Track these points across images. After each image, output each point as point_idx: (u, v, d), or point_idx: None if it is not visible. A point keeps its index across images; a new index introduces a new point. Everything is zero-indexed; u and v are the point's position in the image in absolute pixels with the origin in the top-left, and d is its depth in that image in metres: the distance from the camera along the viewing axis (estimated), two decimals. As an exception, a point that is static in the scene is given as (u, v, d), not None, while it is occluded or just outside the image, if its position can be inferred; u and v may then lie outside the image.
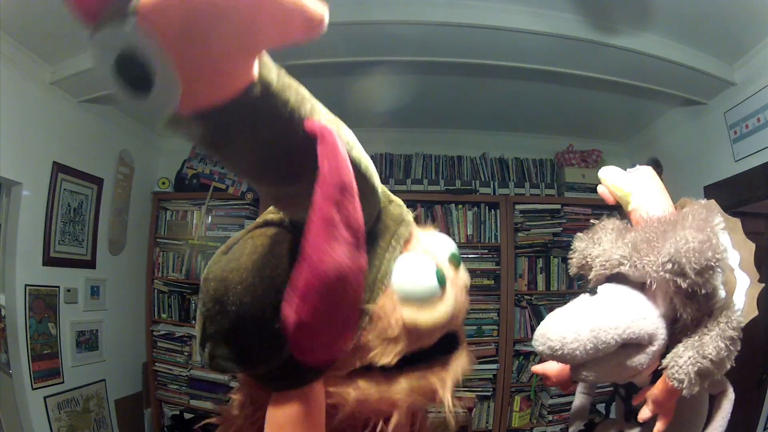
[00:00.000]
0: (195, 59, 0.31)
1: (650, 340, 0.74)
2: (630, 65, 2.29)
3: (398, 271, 0.54)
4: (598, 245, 0.85)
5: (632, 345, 0.74)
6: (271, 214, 0.57)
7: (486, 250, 3.08)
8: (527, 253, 3.11)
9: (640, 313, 0.75)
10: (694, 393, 0.72)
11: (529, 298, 3.10)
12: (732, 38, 2.14)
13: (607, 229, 0.88)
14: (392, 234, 0.57)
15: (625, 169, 0.91)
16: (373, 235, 0.55)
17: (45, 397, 2.36)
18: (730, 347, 0.72)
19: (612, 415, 1.08)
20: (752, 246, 0.87)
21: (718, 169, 2.46)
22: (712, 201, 0.81)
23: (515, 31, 2.08)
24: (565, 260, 3.11)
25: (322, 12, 0.34)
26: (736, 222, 0.87)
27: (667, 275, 0.69)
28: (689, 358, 0.71)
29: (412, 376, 0.55)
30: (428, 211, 3.11)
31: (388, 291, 0.53)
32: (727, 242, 0.77)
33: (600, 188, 0.93)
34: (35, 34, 2.16)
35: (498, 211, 3.10)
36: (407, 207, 0.65)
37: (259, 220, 0.57)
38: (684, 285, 0.69)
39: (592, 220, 0.95)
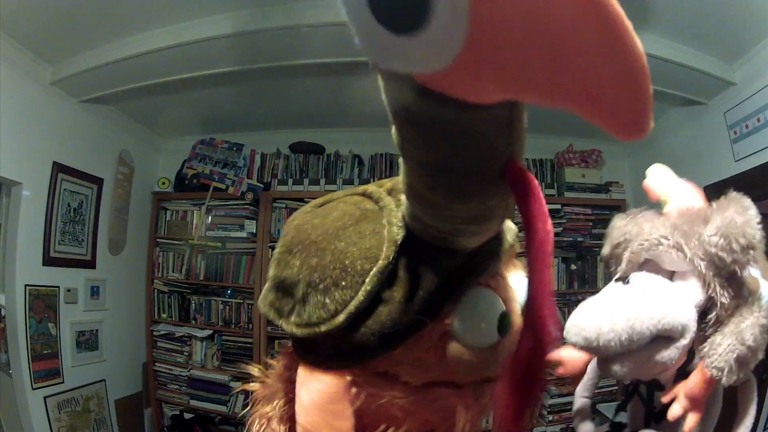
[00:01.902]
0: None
1: (682, 332, 0.73)
2: (630, 65, 2.29)
3: (468, 307, 0.49)
4: (637, 226, 0.84)
5: (663, 338, 0.73)
6: (375, 186, 0.53)
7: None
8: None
9: (674, 302, 0.73)
10: (731, 382, 0.72)
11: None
12: (732, 38, 2.14)
13: (647, 215, 0.87)
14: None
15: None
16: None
17: (45, 397, 2.36)
18: (765, 335, 0.73)
19: (617, 417, 1.07)
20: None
21: (718, 169, 2.46)
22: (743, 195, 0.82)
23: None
24: (565, 260, 3.13)
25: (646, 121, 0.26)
26: None
27: (713, 249, 0.71)
28: (728, 345, 0.71)
29: (439, 393, 0.52)
30: (428, 211, 3.10)
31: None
32: None
33: (646, 181, 0.94)
34: (35, 34, 2.16)
35: (498, 211, 3.10)
36: None
37: (361, 188, 0.54)
38: (729, 260, 0.70)
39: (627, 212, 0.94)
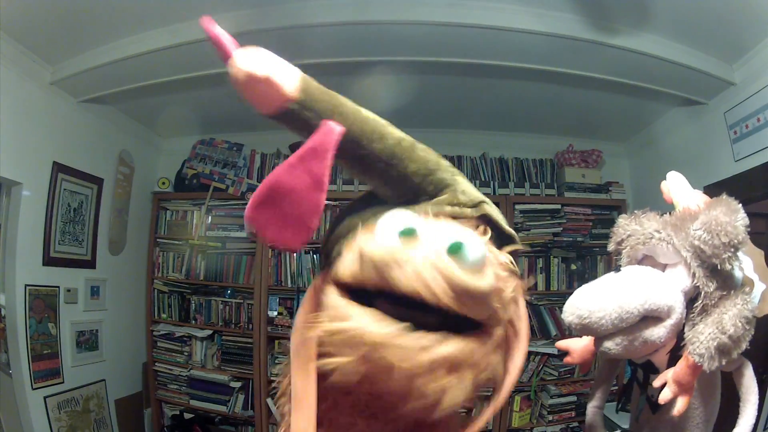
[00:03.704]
0: None
1: (668, 312, 0.80)
2: (630, 65, 2.29)
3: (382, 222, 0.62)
4: (639, 224, 0.95)
5: (652, 318, 0.80)
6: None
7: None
8: (527, 253, 3.11)
9: (660, 286, 0.81)
10: (713, 369, 0.78)
11: (528, 297, 3.09)
12: (732, 38, 2.14)
13: (649, 215, 0.97)
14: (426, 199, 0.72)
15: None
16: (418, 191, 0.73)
17: (45, 397, 2.36)
18: (746, 327, 0.79)
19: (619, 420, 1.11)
20: (761, 252, 0.97)
21: (718, 169, 2.46)
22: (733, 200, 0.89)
23: (515, 31, 2.08)
24: (565, 260, 3.13)
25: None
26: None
27: (697, 242, 0.80)
28: (709, 334, 0.78)
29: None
30: (428, 211, 3.10)
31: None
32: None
33: (664, 183, 1.02)
34: (35, 34, 2.16)
35: (498, 211, 3.10)
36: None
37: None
38: (710, 253, 0.79)
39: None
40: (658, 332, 0.80)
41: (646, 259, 0.92)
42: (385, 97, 2.74)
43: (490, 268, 0.60)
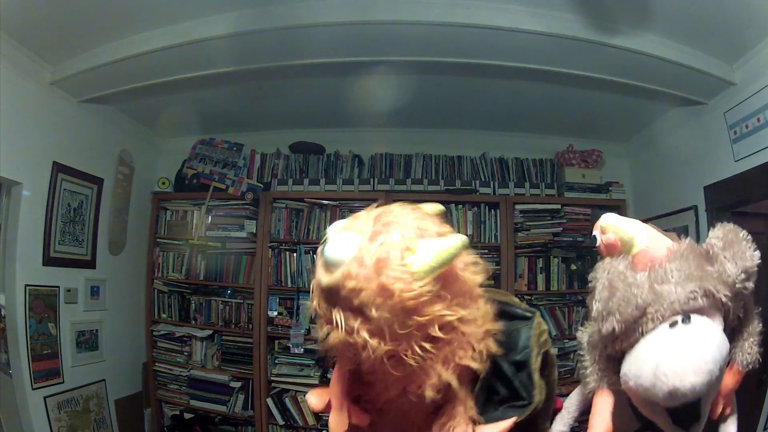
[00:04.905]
0: None
1: (727, 352, 0.83)
2: (630, 65, 2.29)
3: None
4: (643, 289, 0.85)
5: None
6: None
7: (486, 250, 3.08)
8: (527, 253, 3.11)
9: (722, 335, 0.82)
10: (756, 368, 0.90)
11: (529, 298, 3.09)
12: (732, 38, 2.13)
13: (624, 273, 0.88)
14: None
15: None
16: None
17: (45, 397, 2.36)
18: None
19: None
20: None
21: (718, 169, 2.46)
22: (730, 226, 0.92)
23: (515, 31, 2.08)
24: (565, 260, 3.13)
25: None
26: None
27: (739, 285, 0.85)
28: (750, 343, 0.90)
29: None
30: (428, 211, 3.10)
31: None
32: None
33: (604, 237, 0.95)
34: (35, 34, 2.16)
35: (498, 211, 3.10)
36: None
37: None
38: (751, 287, 0.86)
39: (595, 270, 0.94)
40: (722, 369, 0.81)
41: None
42: (385, 97, 2.74)
43: (347, 268, 0.66)
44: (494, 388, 0.82)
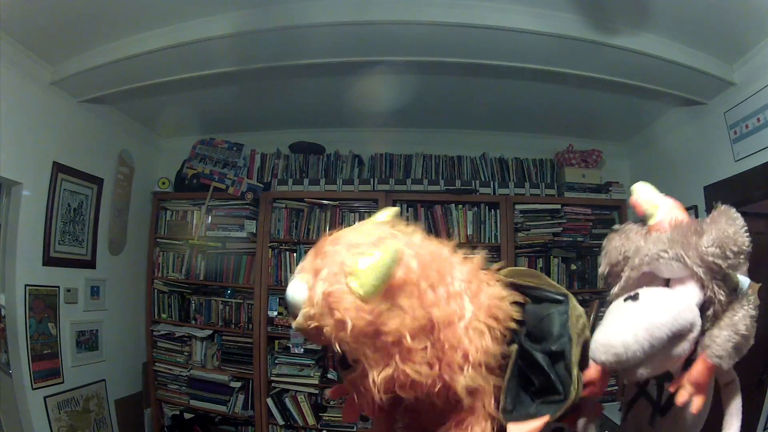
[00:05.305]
0: None
1: (691, 327, 0.84)
2: (630, 65, 2.29)
3: None
4: (633, 243, 0.97)
5: (677, 335, 0.83)
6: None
7: (486, 250, 3.06)
8: (527, 253, 3.11)
9: (681, 305, 0.84)
10: (729, 367, 0.85)
11: (529, 298, 3.10)
12: (732, 38, 2.14)
13: (633, 231, 1.00)
14: None
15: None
16: None
17: (45, 397, 2.36)
18: (754, 324, 0.86)
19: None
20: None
21: (718, 169, 2.46)
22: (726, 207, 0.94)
23: (515, 31, 2.08)
24: (564, 260, 3.13)
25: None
26: None
27: (711, 258, 0.84)
28: (725, 336, 0.84)
29: None
30: (428, 211, 3.10)
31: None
32: None
33: (632, 198, 1.05)
34: (35, 34, 2.16)
35: (498, 211, 3.10)
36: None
37: None
38: (725, 266, 0.84)
39: (614, 227, 1.07)
40: (683, 347, 0.83)
41: (644, 273, 0.94)
42: (385, 97, 2.74)
43: (305, 310, 0.69)
44: (528, 377, 0.81)
